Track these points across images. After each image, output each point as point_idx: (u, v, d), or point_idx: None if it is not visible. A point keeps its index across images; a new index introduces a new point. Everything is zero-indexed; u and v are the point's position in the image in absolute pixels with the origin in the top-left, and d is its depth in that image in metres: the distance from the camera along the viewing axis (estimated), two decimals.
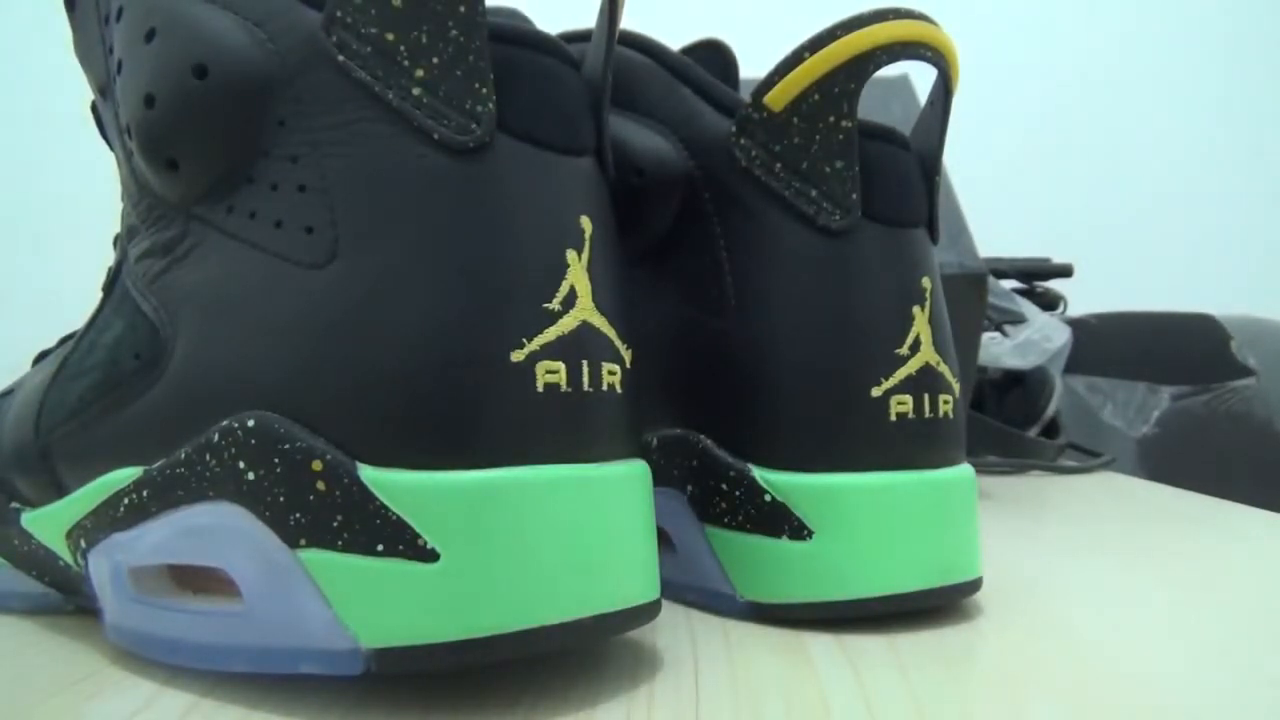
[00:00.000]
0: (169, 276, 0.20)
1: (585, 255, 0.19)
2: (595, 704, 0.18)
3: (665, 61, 0.26)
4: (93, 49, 0.21)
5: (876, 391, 0.23)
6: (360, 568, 0.17)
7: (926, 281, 0.24)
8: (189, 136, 0.19)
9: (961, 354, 0.28)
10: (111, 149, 0.22)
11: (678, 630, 0.23)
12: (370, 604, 0.17)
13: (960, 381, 0.25)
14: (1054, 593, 0.28)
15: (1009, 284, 0.70)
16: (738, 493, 0.24)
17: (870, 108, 0.24)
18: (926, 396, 0.24)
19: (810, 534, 0.23)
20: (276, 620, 0.18)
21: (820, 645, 0.22)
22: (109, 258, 0.23)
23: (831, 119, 0.23)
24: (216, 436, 0.18)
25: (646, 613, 0.19)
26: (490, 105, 0.18)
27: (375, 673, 0.17)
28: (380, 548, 0.17)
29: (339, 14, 0.18)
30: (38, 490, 0.23)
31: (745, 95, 0.24)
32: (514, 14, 0.25)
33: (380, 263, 0.17)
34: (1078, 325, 0.75)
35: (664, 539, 0.26)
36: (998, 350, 0.61)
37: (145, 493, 0.19)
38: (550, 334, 0.18)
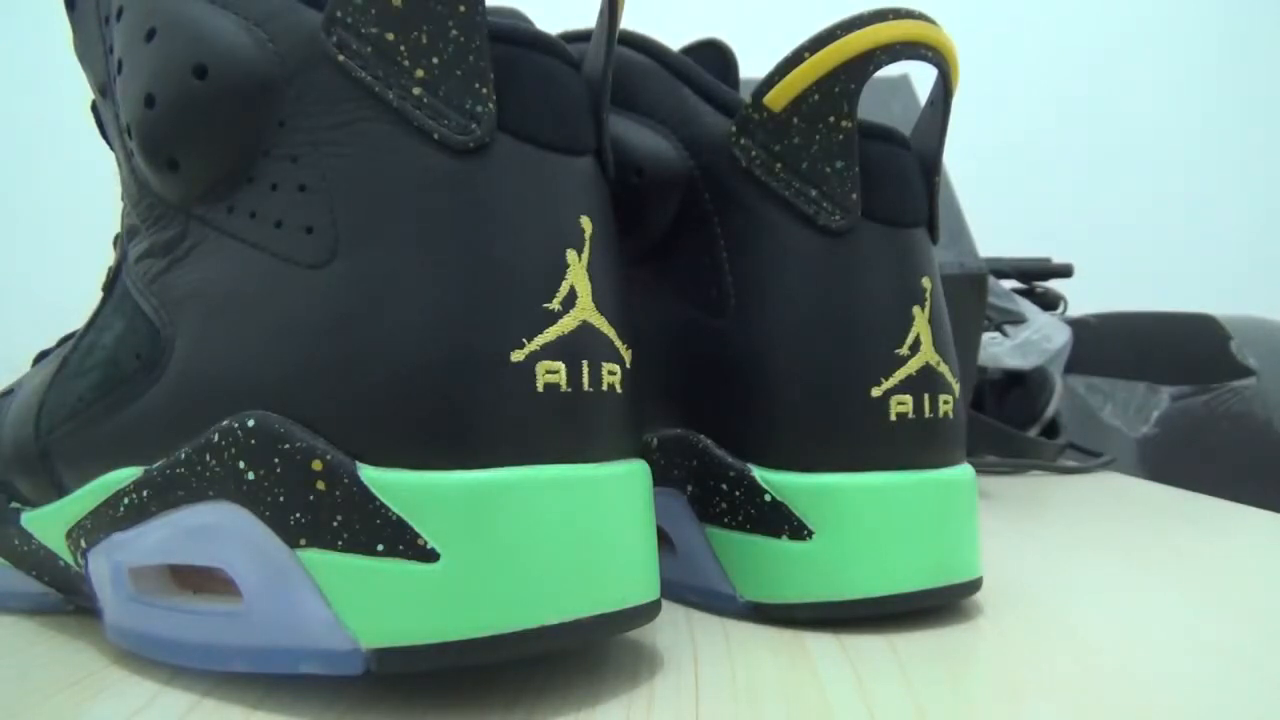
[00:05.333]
0: (169, 276, 0.20)
1: (585, 255, 0.19)
2: (595, 704, 0.18)
3: (665, 61, 0.26)
4: (93, 49, 0.21)
5: (876, 391, 0.23)
6: (360, 568, 0.17)
7: (926, 281, 0.24)
8: (189, 136, 0.19)
9: (961, 354, 0.28)
10: (111, 149, 0.22)
11: (678, 630, 0.23)
12: (370, 604, 0.17)
13: (960, 381, 0.25)
14: (1054, 593, 0.28)
15: (1009, 284, 0.70)
16: (738, 493, 0.24)
17: (870, 108, 0.24)
18: (926, 396, 0.24)
19: (810, 534, 0.23)
20: (276, 620, 0.18)
21: (820, 645, 0.22)
22: (109, 258, 0.23)
23: (831, 119, 0.23)
24: (216, 436, 0.18)
25: (646, 613, 0.19)
26: (490, 105, 0.18)
27: (375, 673, 0.17)
28: (380, 548, 0.17)
29: (339, 14, 0.18)
30: (38, 490, 0.23)
31: (745, 95, 0.24)
32: (514, 14, 0.25)
33: (380, 262, 0.17)
34: (1078, 325, 0.75)
35: (664, 539, 0.26)
36: (998, 350, 0.61)
37: (145, 493, 0.19)
38: (550, 334, 0.18)
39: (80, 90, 0.23)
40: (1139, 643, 0.22)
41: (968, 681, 0.20)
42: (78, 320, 0.23)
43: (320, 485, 0.17)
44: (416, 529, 0.17)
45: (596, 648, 0.21)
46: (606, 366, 0.19)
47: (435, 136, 0.18)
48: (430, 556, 0.17)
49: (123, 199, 0.22)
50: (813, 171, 0.24)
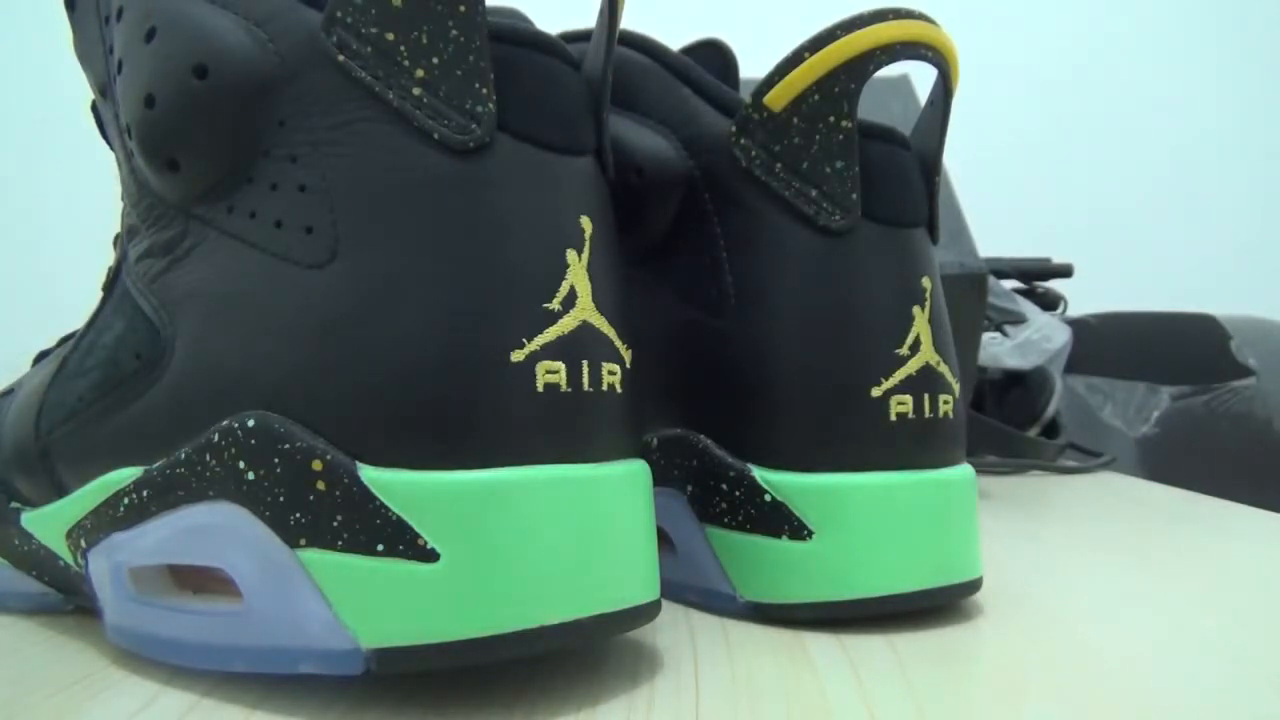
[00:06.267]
0: (169, 276, 0.20)
1: (585, 255, 0.19)
2: (595, 704, 0.18)
3: (665, 61, 0.26)
4: (93, 49, 0.21)
5: (876, 391, 0.23)
6: (360, 568, 0.17)
7: (926, 281, 0.24)
8: (189, 136, 0.19)
9: (961, 354, 0.28)
10: (111, 149, 0.22)
11: (678, 630, 0.23)
12: (370, 604, 0.17)
13: (960, 381, 0.25)
14: (1054, 593, 0.28)
15: (1009, 284, 0.70)
16: (738, 493, 0.24)
17: (870, 108, 0.24)
18: (926, 396, 0.24)
19: (810, 534, 0.23)
20: (276, 620, 0.18)
21: (820, 645, 0.22)
22: (109, 258, 0.23)
23: (831, 119, 0.23)
24: (216, 436, 0.18)
25: (646, 613, 0.19)
26: (490, 105, 0.18)
27: (375, 673, 0.17)
28: (380, 548, 0.17)
29: (339, 14, 0.18)
30: (38, 490, 0.23)
31: (745, 95, 0.24)
32: (514, 14, 0.25)
33: (380, 262, 0.17)
34: (1078, 325, 0.75)
35: (664, 539, 0.26)
36: (998, 350, 0.61)
37: (145, 493, 0.19)
38: (550, 334, 0.18)
39: (80, 90, 0.23)
40: (1139, 642, 0.22)
41: (968, 681, 0.20)
42: (78, 320, 0.23)
43: (320, 485, 0.17)
44: (416, 529, 0.17)
45: (596, 648, 0.21)
46: (606, 366, 0.19)
47: (435, 137, 0.18)
48: (430, 556, 0.17)
49: (123, 199, 0.22)
50: (813, 171, 0.24)
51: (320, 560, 0.17)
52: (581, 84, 0.20)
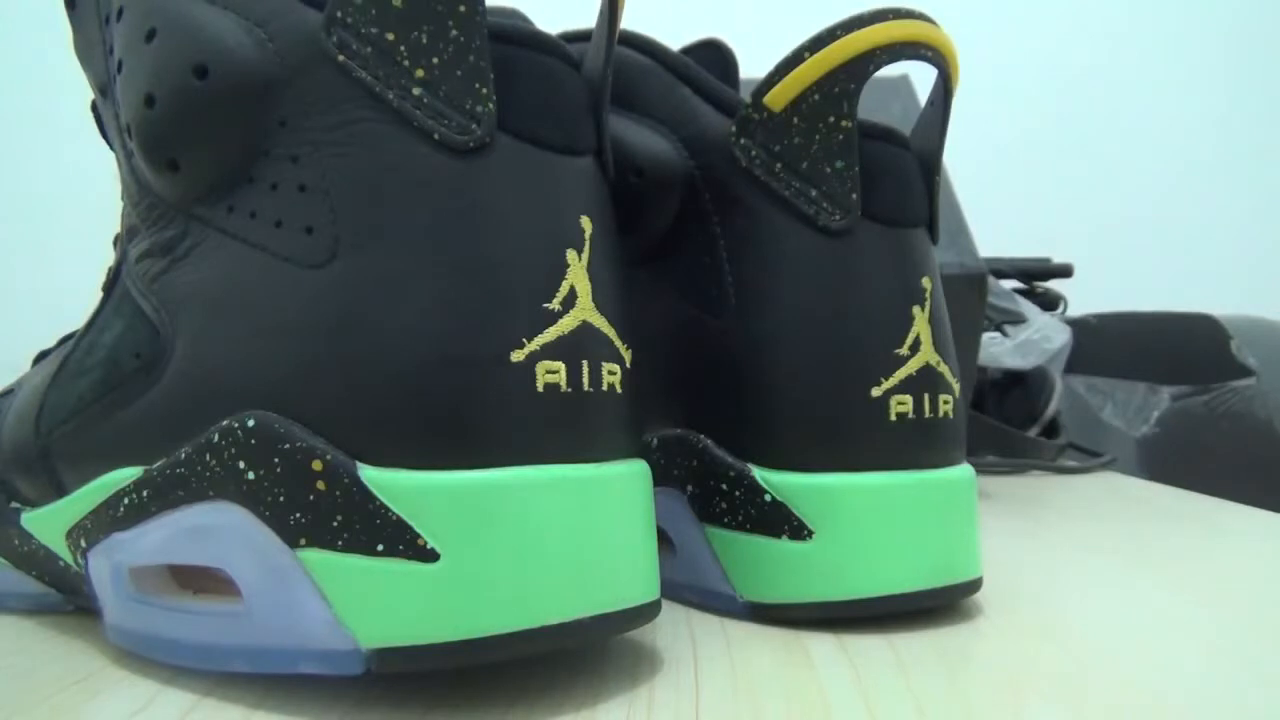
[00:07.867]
0: (169, 276, 0.20)
1: (585, 255, 0.19)
2: (595, 704, 0.18)
3: (665, 61, 0.26)
4: (93, 49, 0.21)
5: (876, 391, 0.23)
6: (360, 568, 0.17)
7: (926, 281, 0.24)
8: (189, 136, 0.19)
9: (961, 354, 0.28)
10: (111, 149, 0.22)
11: (678, 630, 0.23)
12: (370, 604, 0.17)
13: (960, 381, 0.25)
14: (1054, 593, 0.28)
15: (1009, 284, 0.70)
16: (738, 493, 0.24)
17: (870, 108, 0.24)
18: (926, 396, 0.24)
19: (810, 534, 0.23)
20: (276, 620, 0.18)
21: (820, 645, 0.22)
22: (109, 258, 0.23)
23: (831, 119, 0.23)
24: (216, 436, 0.18)
25: (646, 613, 0.19)
26: (490, 105, 0.18)
27: (375, 673, 0.17)
28: (380, 548, 0.17)
29: (339, 14, 0.18)
30: (38, 490, 0.23)
31: (745, 95, 0.24)
32: (514, 14, 0.25)
33: (380, 263, 0.17)
34: (1078, 325, 0.75)
35: (664, 539, 0.26)
36: (998, 350, 0.61)
37: (145, 493, 0.19)
38: (550, 334, 0.18)
39: (80, 90, 0.23)
40: (1139, 642, 0.22)
41: (968, 681, 0.20)
42: (78, 320, 0.23)
43: (320, 485, 0.17)
44: (416, 529, 0.17)
45: (596, 648, 0.21)
46: (606, 366, 0.19)
47: (435, 136, 0.18)
48: (430, 556, 0.17)
49: (123, 199, 0.22)
50: (813, 171, 0.24)
51: (320, 560, 0.17)
52: (581, 84, 0.20)
